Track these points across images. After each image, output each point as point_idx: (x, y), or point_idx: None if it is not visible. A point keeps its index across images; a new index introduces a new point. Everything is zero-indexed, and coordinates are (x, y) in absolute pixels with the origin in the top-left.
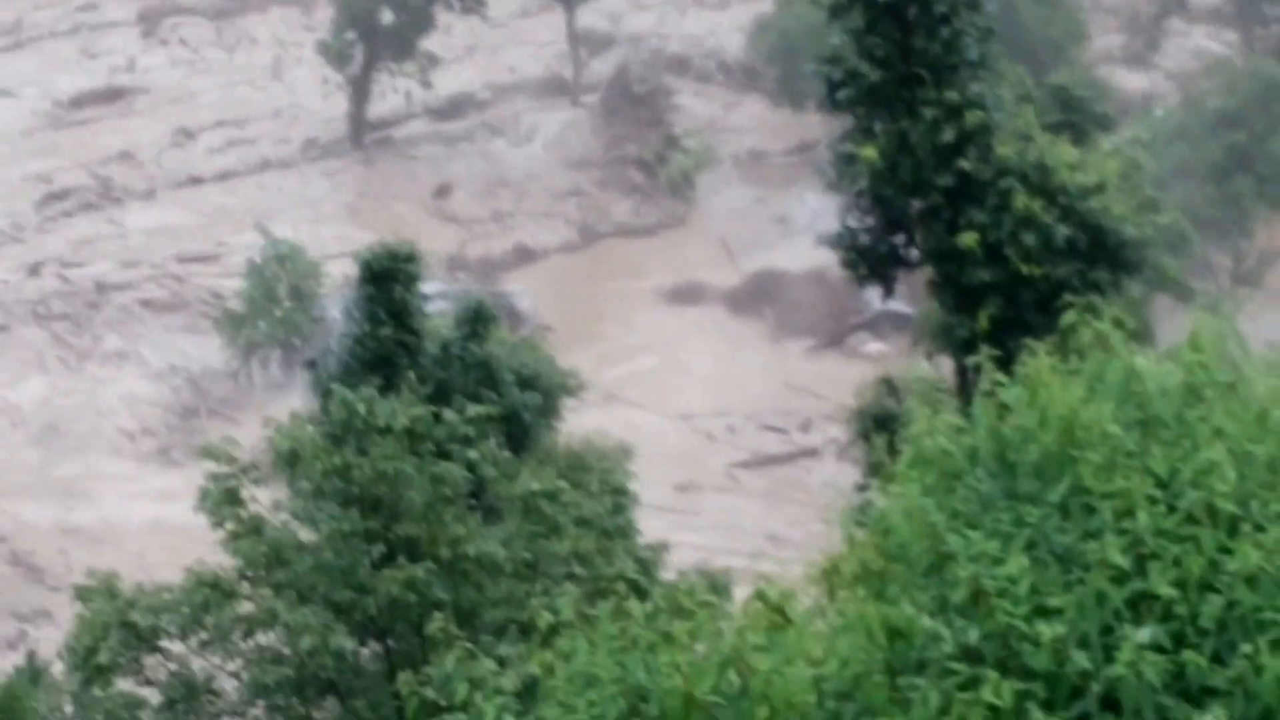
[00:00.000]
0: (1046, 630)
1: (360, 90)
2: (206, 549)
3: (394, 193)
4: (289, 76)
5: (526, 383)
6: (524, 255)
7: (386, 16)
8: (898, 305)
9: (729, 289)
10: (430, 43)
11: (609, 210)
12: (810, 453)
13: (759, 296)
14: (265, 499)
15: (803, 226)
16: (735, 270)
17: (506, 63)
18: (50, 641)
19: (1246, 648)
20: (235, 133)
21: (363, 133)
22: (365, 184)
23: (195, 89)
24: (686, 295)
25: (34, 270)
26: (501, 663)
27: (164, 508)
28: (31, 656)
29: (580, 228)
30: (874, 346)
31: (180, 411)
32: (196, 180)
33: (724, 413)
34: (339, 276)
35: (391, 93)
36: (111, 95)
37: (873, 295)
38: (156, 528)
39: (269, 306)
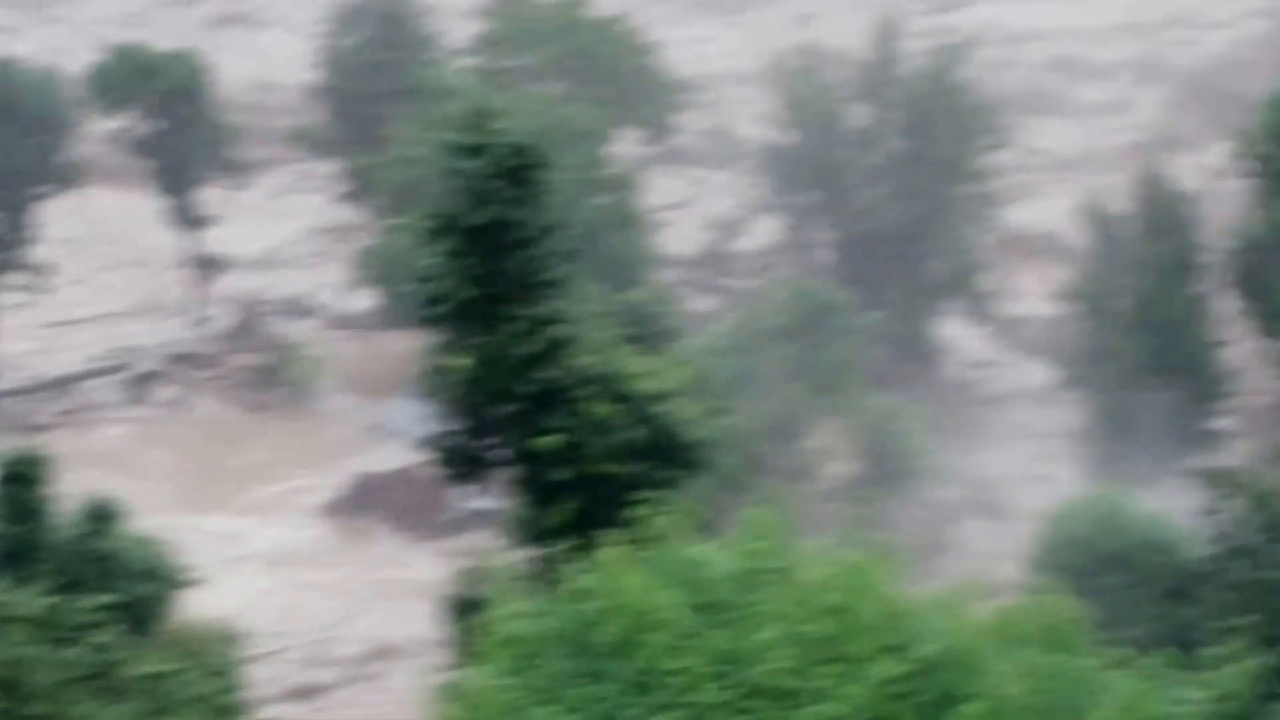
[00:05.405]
0: None
1: None
2: None
3: None
4: None
5: (148, 574)
6: None
7: None
8: (487, 502)
9: (332, 491)
10: None
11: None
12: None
13: (359, 500)
14: None
15: (397, 431)
16: (336, 472)
17: None
18: None
19: None
20: None
21: None
22: None
23: None
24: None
25: None
26: None
27: None
28: None
29: None
30: (465, 540)
31: None
32: None
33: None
34: None
35: None
36: None
37: (466, 492)
38: None
39: None
